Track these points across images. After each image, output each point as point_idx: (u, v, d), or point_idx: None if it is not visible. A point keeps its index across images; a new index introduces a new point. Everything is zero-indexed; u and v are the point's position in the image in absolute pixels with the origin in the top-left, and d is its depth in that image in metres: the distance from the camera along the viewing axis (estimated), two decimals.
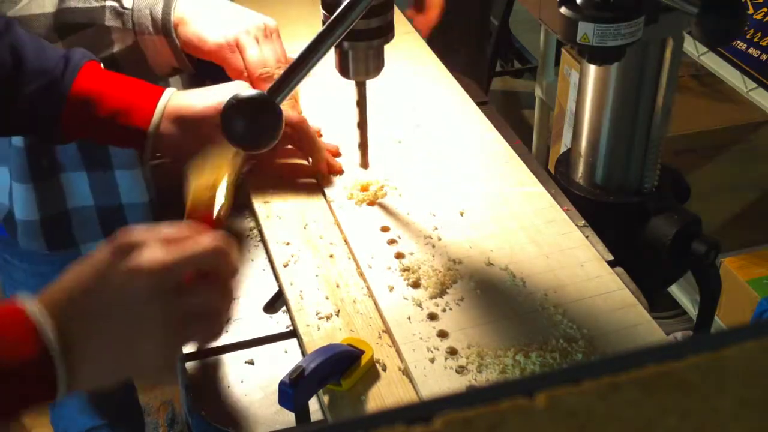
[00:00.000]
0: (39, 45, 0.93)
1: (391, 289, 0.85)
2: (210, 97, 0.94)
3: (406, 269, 0.87)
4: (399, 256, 0.89)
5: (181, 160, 0.97)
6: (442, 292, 0.84)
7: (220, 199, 0.89)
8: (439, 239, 0.91)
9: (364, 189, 0.99)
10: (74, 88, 0.91)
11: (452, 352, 0.77)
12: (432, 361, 0.77)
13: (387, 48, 0.89)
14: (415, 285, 0.85)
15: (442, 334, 0.79)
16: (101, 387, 0.68)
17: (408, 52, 1.27)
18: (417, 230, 0.93)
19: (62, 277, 0.67)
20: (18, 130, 0.99)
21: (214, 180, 0.90)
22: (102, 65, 0.97)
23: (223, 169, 0.92)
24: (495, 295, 0.84)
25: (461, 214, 0.95)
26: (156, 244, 0.67)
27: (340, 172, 1.03)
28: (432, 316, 0.82)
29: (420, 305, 0.83)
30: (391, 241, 0.92)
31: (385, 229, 0.93)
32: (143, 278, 0.65)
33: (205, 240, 0.69)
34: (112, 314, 0.65)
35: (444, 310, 0.82)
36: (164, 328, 0.66)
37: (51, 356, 0.63)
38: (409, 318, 0.81)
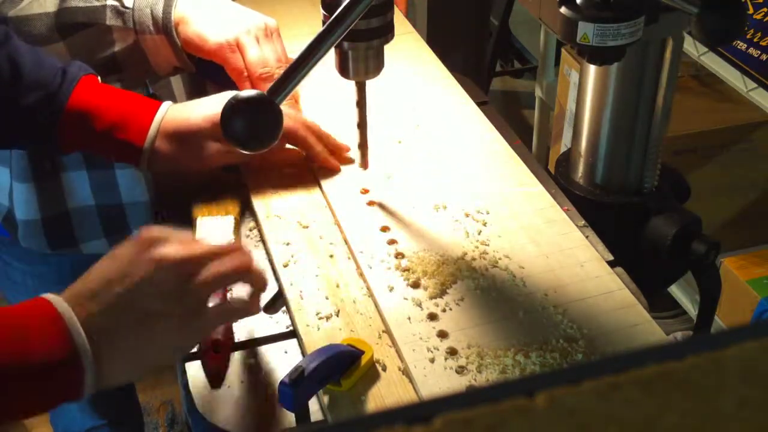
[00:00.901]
0: (37, 56, 0.93)
1: (391, 289, 0.85)
2: (205, 109, 0.94)
3: (406, 269, 0.87)
4: (399, 256, 0.89)
5: (176, 172, 0.97)
6: (442, 292, 0.84)
7: (229, 236, 0.93)
8: (440, 239, 0.91)
9: (364, 192, 0.99)
10: (71, 101, 0.91)
11: (452, 352, 0.77)
12: (432, 361, 0.77)
13: (387, 48, 0.89)
14: (415, 285, 0.85)
15: (442, 334, 0.79)
16: (124, 381, 0.69)
17: (408, 52, 1.27)
18: (417, 230, 0.93)
19: (86, 274, 0.69)
20: (15, 141, 0.99)
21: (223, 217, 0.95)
22: (103, 65, 0.97)
23: (229, 208, 0.95)
24: (495, 295, 0.84)
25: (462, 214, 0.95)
26: (177, 241, 0.70)
27: (337, 169, 1.03)
28: (432, 316, 0.82)
29: (420, 305, 0.83)
30: (391, 241, 0.91)
31: (385, 229, 0.93)
32: (168, 268, 0.68)
33: (230, 251, 0.73)
34: (136, 304, 0.67)
35: (444, 310, 0.82)
36: (184, 318, 0.68)
37: (80, 358, 0.64)
38: (409, 318, 0.81)
